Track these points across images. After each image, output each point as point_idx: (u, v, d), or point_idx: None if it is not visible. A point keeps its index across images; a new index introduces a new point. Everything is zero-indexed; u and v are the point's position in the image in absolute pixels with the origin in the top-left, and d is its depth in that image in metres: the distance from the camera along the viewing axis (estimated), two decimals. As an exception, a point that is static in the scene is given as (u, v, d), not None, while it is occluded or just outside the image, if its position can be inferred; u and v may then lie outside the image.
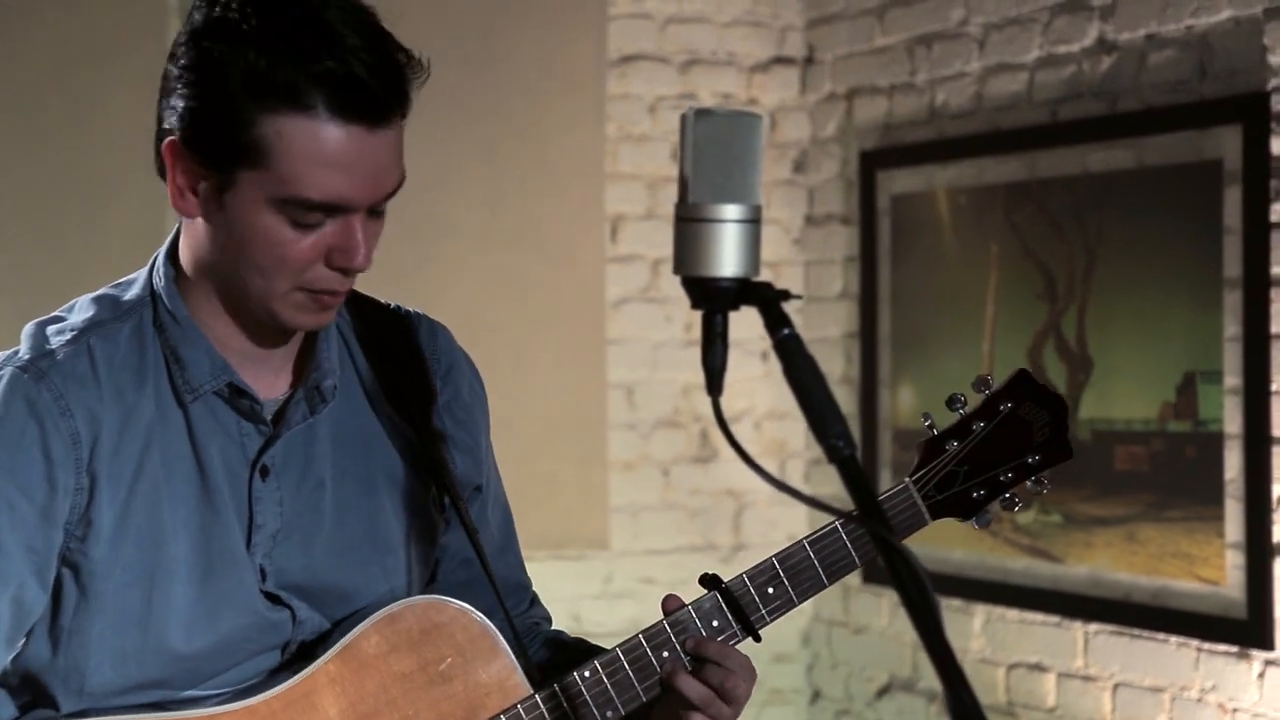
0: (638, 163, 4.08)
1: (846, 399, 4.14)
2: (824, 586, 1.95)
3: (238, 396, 1.80)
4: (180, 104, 1.72)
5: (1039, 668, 3.68)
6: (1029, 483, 2.01)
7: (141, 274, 1.84)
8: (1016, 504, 2.02)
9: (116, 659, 1.77)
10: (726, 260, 1.40)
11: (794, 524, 4.21)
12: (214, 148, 1.71)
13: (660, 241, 4.04)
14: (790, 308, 4.98)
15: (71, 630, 1.77)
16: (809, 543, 1.93)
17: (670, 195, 3.36)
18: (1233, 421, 3.26)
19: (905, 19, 3.99)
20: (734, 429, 4.69)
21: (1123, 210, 3.48)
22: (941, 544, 3.84)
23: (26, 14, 3.50)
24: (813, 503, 1.38)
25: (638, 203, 4.09)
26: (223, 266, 1.76)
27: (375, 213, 1.76)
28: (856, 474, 1.34)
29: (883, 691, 4.06)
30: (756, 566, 1.93)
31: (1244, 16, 3.25)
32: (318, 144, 1.68)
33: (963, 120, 3.84)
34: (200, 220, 1.76)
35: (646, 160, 4.09)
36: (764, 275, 4.97)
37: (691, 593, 4.13)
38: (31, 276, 3.51)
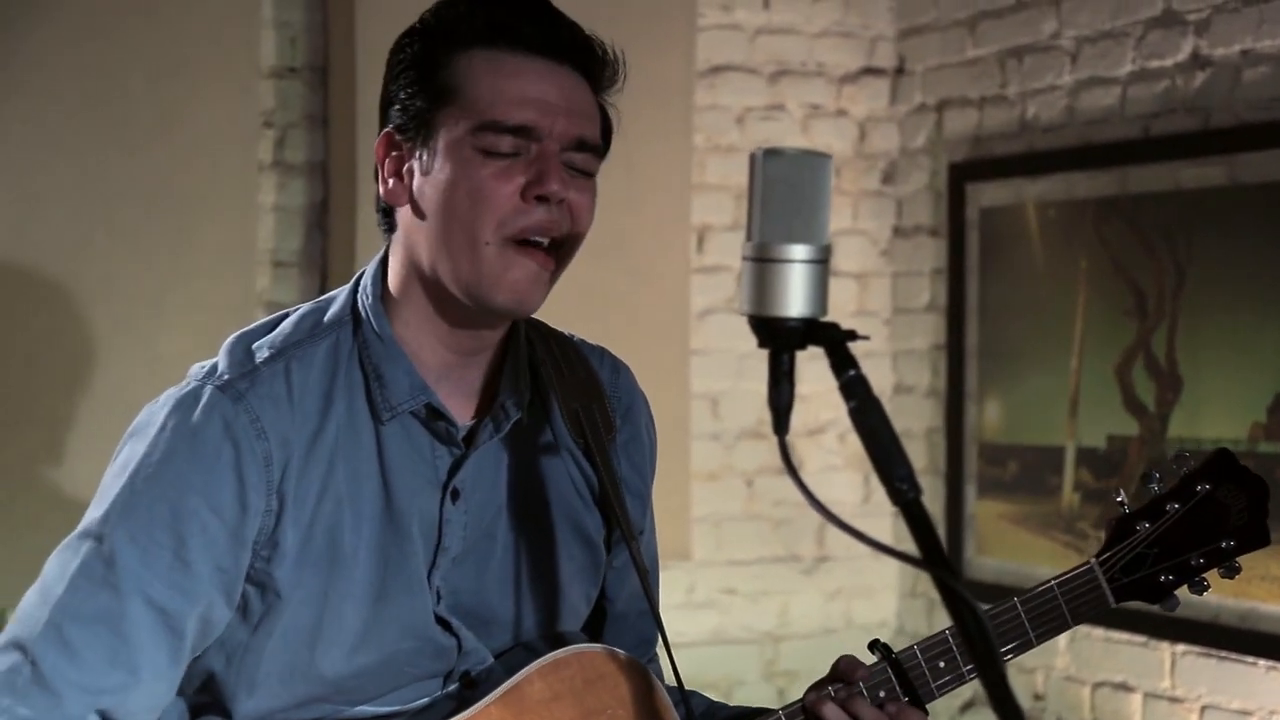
0: (725, 173, 4.08)
1: (933, 412, 4.12)
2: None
3: (434, 418, 1.82)
4: (388, 100, 1.82)
5: (1125, 687, 3.65)
6: (1220, 568, 1.97)
7: (344, 292, 1.87)
8: (1205, 588, 1.97)
9: (284, 674, 1.80)
10: (794, 300, 1.39)
11: (878, 537, 4.19)
12: (412, 109, 1.78)
13: (746, 252, 4.03)
14: (877, 321, 4.92)
15: (249, 645, 1.80)
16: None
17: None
18: (1325, 444, 3.21)
19: (997, 31, 3.95)
20: (819, 440, 4.61)
21: (1215, 228, 3.43)
22: (1027, 560, 3.80)
23: (119, 26, 3.54)
24: (877, 546, 1.37)
25: (724, 213, 4.08)
26: (430, 243, 1.78)
27: (579, 170, 1.80)
28: (921, 517, 1.33)
29: (966, 707, 4.04)
30: (929, 639, 1.91)
31: (1341, 33, 3.20)
32: (502, 69, 1.77)
33: (1053, 134, 3.81)
34: (409, 210, 1.80)
35: (734, 171, 4.08)
36: (851, 286, 4.91)
37: (774, 605, 4.15)
38: (122, 287, 3.55)
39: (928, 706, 1.90)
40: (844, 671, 1.90)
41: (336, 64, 3.70)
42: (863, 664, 1.90)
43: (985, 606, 1.89)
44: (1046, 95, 3.82)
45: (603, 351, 2.01)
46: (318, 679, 1.80)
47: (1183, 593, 2.01)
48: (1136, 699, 3.62)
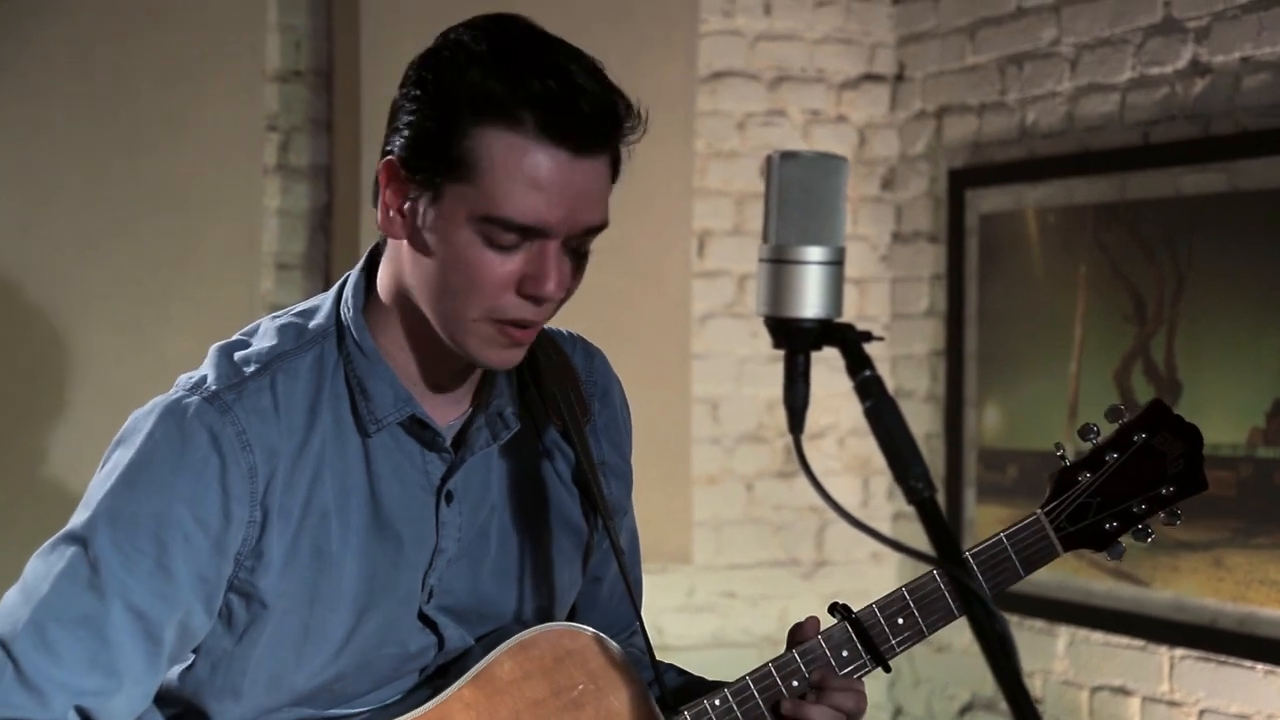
0: (726, 178, 4.10)
1: (932, 417, 4.13)
2: (954, 618, 1.94)
3: (419, 428, 1.83)
4: (402, 123, 1.76)
5: (1123, 691, 3.66)
6: (1162, 514, 2.01)
7: (327, 300, 1.87)
8: (1149, 536, 2.02)
9: (269, 681, 1.82)
10: (809, 301, 1.41)
11: (877, 542, 4.20)
12: (426, 161, 1.73)
13: (747, 257, 4.05)
14: (876, 326, 4.95)
15: (234, 654, 1.82)
16: (939, 574, 1.94)
17: (758, 211, 3.36)
18: (1323, 449, 3.23)
19: (997, 38, 3.98)
20: (818, 444, 4.63)
21: (1214, 234, 3.45)
22: (1026, 564, 3.82)
23: (124, 30, 3.55)
24: (895, 545, 1.39)
25: (725, 218, 4.10)
26: (418, 291, 1.78)
27: (577, 252, 1.77)
28: (935, 516, 1.35)
29: (965, 710, 4.05)
30: (887, 596, 1.94)
31: (1340, 41, 3.22)
32: (523, 162, 1.70)
33: (1053, 140, 3.83)
34: (404, 243, 1.78)
35: (735, 176, 4.10)
36: (850, 291, 4.92)
37: (773, 609, 4.16)
38: (126, 290, 3.56)
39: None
40: (802, 638, 1.93)
41: (341, 68, 3.71)
42: (817, 627, 1.93)
43: None
44: (1046, 102, 3.84)
45: (575, 338, 2.02)
46: (301, 685, 1.82)
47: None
48: (1135, 703, 3.63)
